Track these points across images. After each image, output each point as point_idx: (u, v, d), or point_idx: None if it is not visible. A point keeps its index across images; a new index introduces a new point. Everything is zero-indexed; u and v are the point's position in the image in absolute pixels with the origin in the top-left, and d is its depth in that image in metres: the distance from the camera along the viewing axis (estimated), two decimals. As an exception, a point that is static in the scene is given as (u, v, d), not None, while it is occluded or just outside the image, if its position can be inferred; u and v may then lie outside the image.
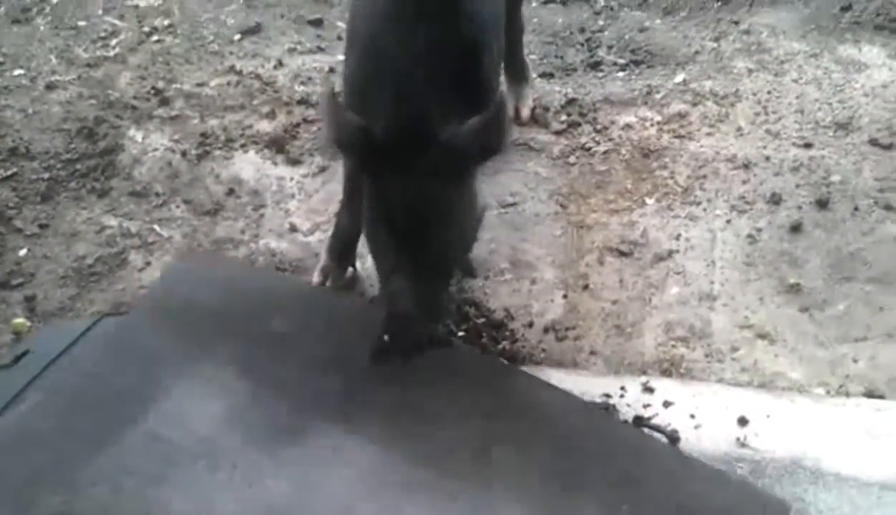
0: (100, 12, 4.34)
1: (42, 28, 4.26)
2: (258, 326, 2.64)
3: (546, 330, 2.98)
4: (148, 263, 3.23)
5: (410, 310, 2.36)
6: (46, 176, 3.50)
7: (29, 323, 3.01)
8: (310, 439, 2.33)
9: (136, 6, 4.37)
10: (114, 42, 4.17)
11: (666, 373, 2.84)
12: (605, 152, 3.55)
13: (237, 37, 4.20)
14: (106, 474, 2.26)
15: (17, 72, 3.99)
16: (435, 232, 2.34)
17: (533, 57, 4.00)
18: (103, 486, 2.24)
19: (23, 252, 3.25)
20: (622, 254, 3.20)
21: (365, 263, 3.06)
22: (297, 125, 3.70)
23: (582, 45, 4.11)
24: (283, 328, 2.64)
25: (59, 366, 2.66)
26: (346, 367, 2.50)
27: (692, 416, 2.66)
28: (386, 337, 2.44)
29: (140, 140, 3.67)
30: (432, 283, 2.40)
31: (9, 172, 3.51)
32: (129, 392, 2.46)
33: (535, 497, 2.22)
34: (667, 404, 2.69)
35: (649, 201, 3.37)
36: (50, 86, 3.90)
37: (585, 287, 3.11)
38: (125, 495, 2.23)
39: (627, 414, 2.66)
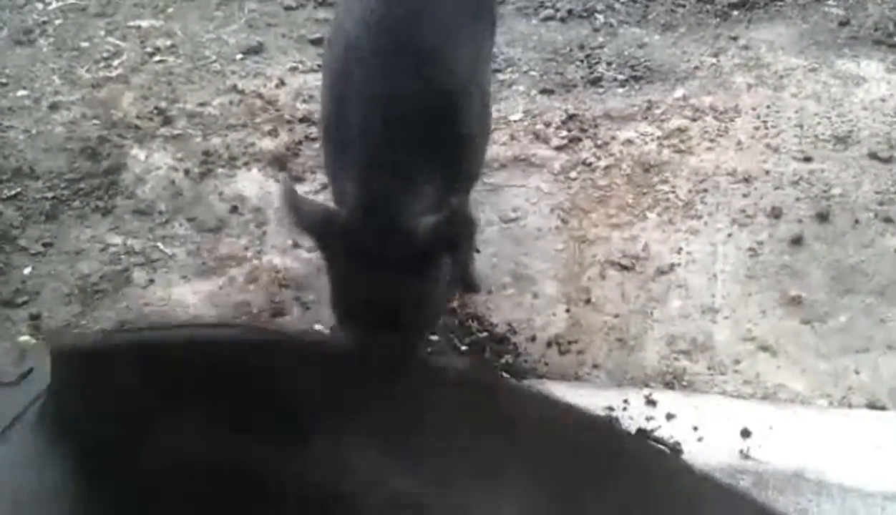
0: (102, 33, 4.36)
1: (45, 49, 4.28)
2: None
3: (549, 344, 2.99)
4: (152, 281, 3.24)
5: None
6: (50, 195, 3.52)
7: (34, 341, 3.02)
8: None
9: (139, 27, 4.40)
10: (116, 62, 4.19)
11: (669, 386, 2.85)
12: (605, 167, 3.57)
13: (239, 56, 4.22)
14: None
15: (21, 92, 4.02)
16: (394, 319, 2.29)
17: (533, 74, 4.03)
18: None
19: (27, 270, 3.27)
20: (624, 267, 3.22)
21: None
22: (300, 143, 3.72)
23: (582, 61, 4.13)
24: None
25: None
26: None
27: (695, 428, 2.66)
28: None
29: (143, 159, 3.69)
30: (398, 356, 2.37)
31: (13, 192, 3.53)
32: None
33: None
34: (669, 416, 2.70)
35: (650, 215, 3.38)
36: (53, 107, 3.93)
37: (587, 301, 3.12)
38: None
39: (630, 426, 2.66)
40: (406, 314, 2.30)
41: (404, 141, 2.35)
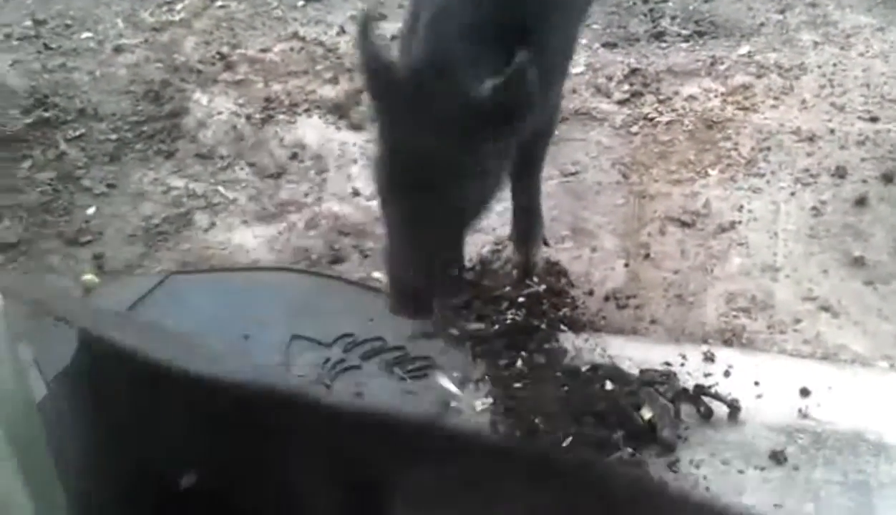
0: (165, -23, 4.38)
1: (109, -9, 4.31)
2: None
3: (607, 299, 2.99)
4: (213, 224, 3.27)
5: (405, 276, 2.32)
6: (114, 137, 3.56)
7: (97, 280, 3.06)
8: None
9: (201, -29, 4.42)
10: (179, 7, 4.21)
11: (727, 343, 2.83)
12: (667, 122, 3.54)
13: (301, 3, 4.23)
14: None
15: (85, 35, 4.05)
16: (436, 190, 2.21)
17: (596, 27, 4.00)
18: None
19: (91, 210, 3.31)
20: (684, 224, 3.19)
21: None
22: (360, 91, 3.72)
23: (645, 15, 4.09)
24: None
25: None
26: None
27: (754, 386, 2.65)
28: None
29: (205, 103, 3.71)
30: (431, 243, 2.30)
31: (77, 133, 3.57)
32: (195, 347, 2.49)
33: None
34: (728, 373, 2.69)
35: (712, 172, 3.35)
36: (117, 50, 3.96)
37: (647, 256, 3.11)
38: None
39: (688, 382, 2.65)
40: (448, 188, 2.22)
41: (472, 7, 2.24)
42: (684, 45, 3.93)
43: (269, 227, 3.27)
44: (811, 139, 3.44)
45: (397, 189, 2.28)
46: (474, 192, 2.32)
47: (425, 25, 2.27)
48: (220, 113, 3.66)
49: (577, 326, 2.88)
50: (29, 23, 4.09)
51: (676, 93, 3.67)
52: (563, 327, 2.85)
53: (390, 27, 4.00)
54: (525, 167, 2.80)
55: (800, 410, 2.59)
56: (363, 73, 2.27)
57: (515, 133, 2.29)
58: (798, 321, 2.89)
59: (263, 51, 3.96)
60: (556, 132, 3.41)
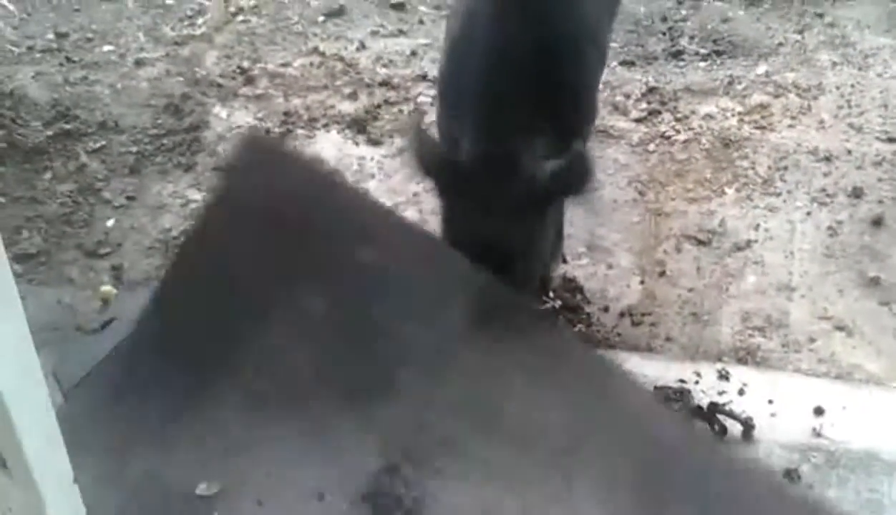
0: (187, -8, 4.42)
1: (130, 5, 4.34)
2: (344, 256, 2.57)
3: (622, 315, 2.99)
4: (231, 237, 3.29)
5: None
6: (134, 149, 3.59)
7: (115, 291, 3.08)
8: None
9: (223, -14, 4.45)
10: (200, 21, 4.24)
11: (742, 361, 2.84)
12: (684, 141, 3.55)
13: (321, 19, 4.25)
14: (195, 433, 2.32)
15: (107, 48, 4.08)
16: (511, 262, 2.32)
17: (614, 45, 4.00)
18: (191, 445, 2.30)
19: (110, 222, 3.33)
20: (700, 242, 3.20)
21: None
22: (379, 106, 3.75)
23: (664, 33, 4.10)
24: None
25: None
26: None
27: (768, 404, 2.65)
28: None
29: (225, 117, 3.74)
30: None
31: (98, 145, 3.59)
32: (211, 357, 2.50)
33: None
34: (742, 392, 2.69)
35: (729, 191, 3.36)
36: (138, 63, 3.99)
37: (662, 273, 3.11)
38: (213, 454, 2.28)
39: (702, 400, 2.66)
40: (523, 257, 2.33)
41: (524, 86, 2.34)
42: (702, 64, 3.94)
43: (286, 241, 3.28)
44: (828, 159, 3.45)
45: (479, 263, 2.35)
46: (545, 251, 2.51)
47: (475, 109, 2.38)
48: (239, 127, 3.69)
49: (592, 343, 2.89)
50: (51, 36, 4.13)
51: (694, 111, 3.68)
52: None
53: (408, 42, 4.04)
54: None
55: (814, 429, 2.59)
56: (420, 167, 2.37)
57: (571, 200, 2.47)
58: (813, 340, 2.89)
59: (283, 65, 3.99)
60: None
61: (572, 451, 2.26)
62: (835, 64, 3.88)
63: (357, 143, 3.62)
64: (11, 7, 4.28)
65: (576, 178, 2.28)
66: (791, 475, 2.46)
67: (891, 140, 3.51)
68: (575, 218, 3.24)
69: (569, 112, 2.46)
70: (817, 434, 2.58)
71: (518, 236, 2.30)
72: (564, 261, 3.07)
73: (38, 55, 4.03)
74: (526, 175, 2.24)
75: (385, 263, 2.51)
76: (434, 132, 2.67)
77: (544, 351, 2.46)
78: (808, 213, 3.27)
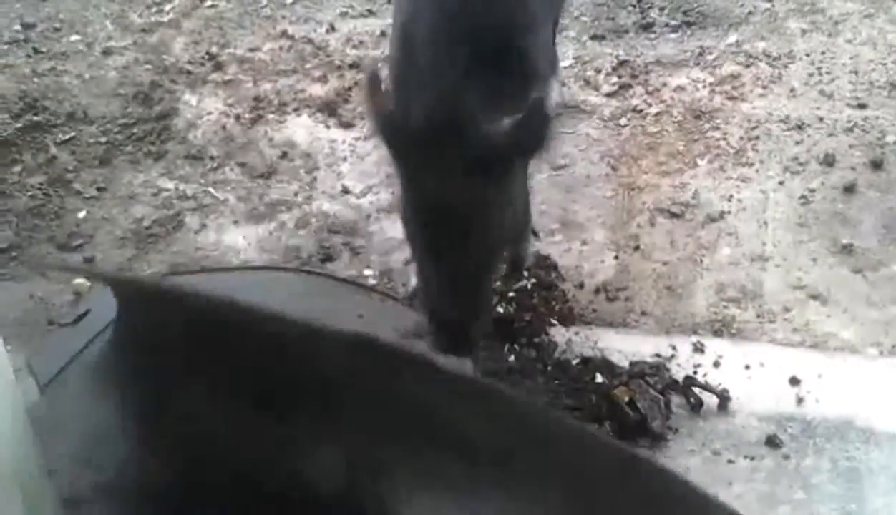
0: (154, -22, 4.39)
1: (97, -6, 4.31)
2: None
3: (597, 291, 3.00)
4: (204, 225, 3.28)
5: (446, 314, 2.28)
6: (104, 140, 3.57)
7: (89, 284, 3.06)
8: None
9: (190, -28, 4.42)
10: (168, 7, 4.21)
11: (717, 334, 2.85)
12: (656, 114, 3.54)
13: (289, 1, 4.22)
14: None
15: (74, 37, 4.05)
16: (469, 230, 2.21)
17: (584, 19, 3.99)
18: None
19: (82, 214, 3.32)
20: (673, 215, 3.20)
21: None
22: (349, 89, 3.73)
23: (633, 6, 4.08)
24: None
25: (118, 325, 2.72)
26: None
27: (744, 376, 2.67)
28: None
29: (195, 104, 3.71)
30: (469, 281, 2.28)
31: (67, 136, 3.57)
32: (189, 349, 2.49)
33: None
34: (717, 364, 2.71)
35: (701, 162, 3.36)
36: (106, 52, 3.96)
37: (636, 248, 3.12)
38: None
39: (678, 373, 2.67)
40: (479, 225, 2.21)
41: (472, 38, 2.23)
42: (673, 35, 3.92)
43: (259, 227, 3.28)
44: (800, 127, 3.45)
45: (431, 233, 2.27)
46: (507, 220, 2.33)
47: (427, 64, 2.27)
48: (209, 113, 3.67)
49: (567, 319, 2.89)
50: (18, 27, 4.09)
51: (665, 84, 3.67)
52: (553, 320, 2.86)
53: (378, 23, 4.02)
54: None
55: (790, 399, 2.60)
56: (374, 127, 2.26)
57: (536, 158, 2.33)
58: (787, 310, 2.90)
59: (252, 50, 3.96)
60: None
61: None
62: (805, 31, 3.87)
63: (328, 127, 3.60)
64: (-24, -1, 4.25)
65: (531, 133, 2.12)
66: (774, 440, 2.48)
67: (861, 106, 3.51)
68: (548, 194, 3.25)
69: (521, 56, 2.32)
70: (793, 404, 2.59)
71: (475, 204, 2.18)
72: (536, 236, 3.06)
73: (4, 47, 4.00)
74: (478, 132, 2.11)
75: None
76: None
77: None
78: (781, 182, 3.27)
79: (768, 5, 4.02)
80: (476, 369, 2.80)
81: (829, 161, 3.31)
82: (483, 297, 2.40)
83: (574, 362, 2.71)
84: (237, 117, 3.65)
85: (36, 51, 3.97)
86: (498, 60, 2.25)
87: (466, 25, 2.25)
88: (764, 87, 3.62)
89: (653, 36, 3.93)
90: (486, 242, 2.26)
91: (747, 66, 3.72)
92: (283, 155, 3.50)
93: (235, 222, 3.29)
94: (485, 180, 2.17)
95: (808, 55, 3.75)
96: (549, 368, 2.70)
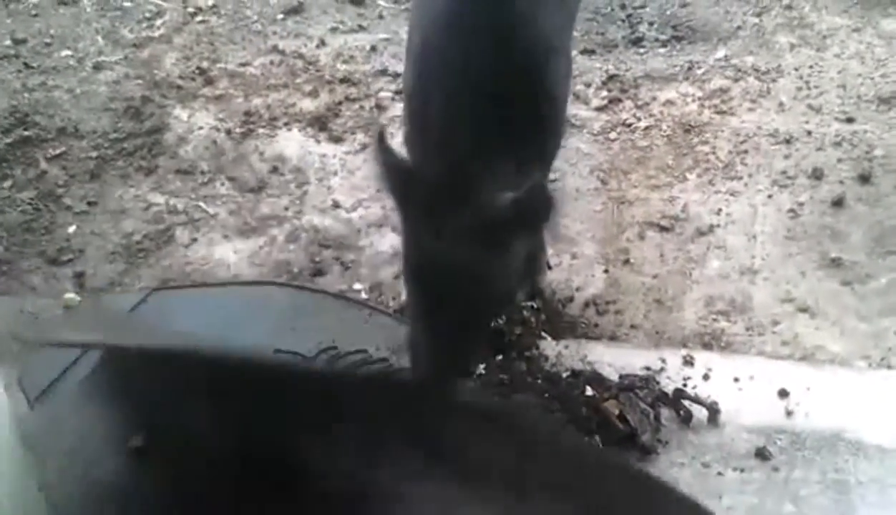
0: (145, -7, 4.40)
1: (88, 9, 4.31)
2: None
3: (587, 305, 3.00)
4: (194, 239, 3.28)
5: (429, 368, 2.30)
6: (94, 154, 3.57)
7: (79, 298, 3.06)
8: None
9: (181, -13, 4.43)
10: (159, 22, 4.21)
11: (707, 347, 2.86)
12: (646, 128, 3.56)
13: (280, 16, 4.23)
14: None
15: (65, 52, 4.05)
16: (463, 293, 2.23)
17: (574, 34, 3.99)
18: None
19: (72, 229, 3.32)
20: (663, 228, 3.21)
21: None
22: (340, 103, 3.73)
23: (623, 20, 4.10)
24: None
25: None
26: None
27: (733, 388, 2.67)
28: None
29: (185, 119, 3.72)
30: (458, 341, 2.29)
31: (58, 151, 3.57)
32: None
33: None
34: (707, 376, 2.71)
35: (690, 176, 3.37)
36: (97, 67, 3.96)
37: (626, 261, 3.13)
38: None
39: (667, 386, 2.67)
40: (475, 288, 2.24)
41: (486, 111, 2.26)
42: (662, 50, 3.94)
43: (249, 241, 3.28)
44: (788, 141, 3.46)
45: (427, 289, 2.29)
46: (503, 284, 2.35)
47: (439, 133, 2.29)
48: (200, 128, 3.67)
49: (557, 332, 2.90)
50: (9, 42, 4.09)
51: (654, 98, 3.68)
52: (543, 333, 2.87)
53: (368, 38, 4.03)
54: None
55: (779, 411, 2.61)
56: (382, 182, 2.28)
57: (535, 234, 2.38)
58: (776, 322, 2.91)
59: (243, 65, 3.97)
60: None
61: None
62: (793, 46, 3.89)
63: (319, 141, 3.61)
64: (-33, 14, 4.25)
65: (532, 212, 2.16)
66: (763, 452, 2.49)
67: (850, 120, 3.53)
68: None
69: (535, 134, 2.38)
70: (783, 416, 2.60)
71: (475, 265, 2.21)
72: (549, 268, 3.09)
73: (-5, 62, 4.01)
74: (482, 202, 2.16)
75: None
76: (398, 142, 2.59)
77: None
78: (770, 196, 3.29)
79: (757, 20, 4.04)
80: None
81: (817, 175, 3.33)
82: (468, 357, 2.42)
83: (564, 375, 2.71)
84: (228, 132, 3.65)
85: (26, 66, 3.97)
86: (515, 121, 2.27)
87: (480, 74, 2.26)
88: (752, 102, 3.64)
89: (642, 50, 3.94)
90: (478, 306, 2.30)
91: (736, 81, 3.73)
92: (274, 169, 3.51)
93: (226, 236, 3.30)
94: (485, 247, 2.19)
95: (796, 69, 3.77)
96: (540, 381, 2.70)
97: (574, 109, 3.65)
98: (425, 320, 2.31)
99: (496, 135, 2.25)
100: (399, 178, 2.25)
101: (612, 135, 3.55)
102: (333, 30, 4.14)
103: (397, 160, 2.25)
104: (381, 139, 2.25)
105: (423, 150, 2.36)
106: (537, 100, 2.38)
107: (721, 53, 3.87)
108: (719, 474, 2.46)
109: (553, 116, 2.50)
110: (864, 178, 3.30)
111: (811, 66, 3.77)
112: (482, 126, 2.25)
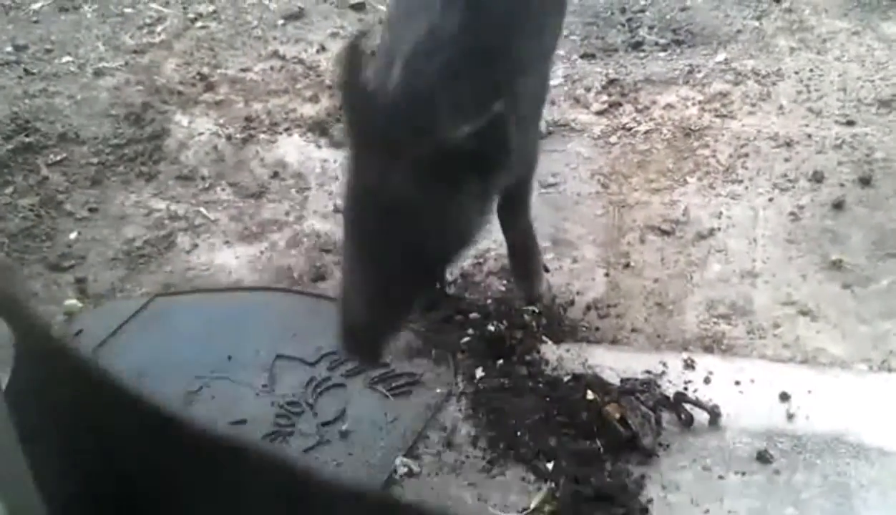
0: (145, -1, 4.41)
1: (89, 16, 4.33)
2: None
3: (588, 308, 3.00)
4: (195, 245, 3.29)
5: (358, 318, 2.23)
6: (95, 161, 3.58)
7: (80, 305, 3.07)
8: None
9: (181, -7, 4.44)
10: (159, 28, 4.23)
11: (708, 350, 2.85)
12: (646, 132, 3.56)
13: (280, 22, 4.25)
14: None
15: (66, 59, 4.07)
16: (408, 232, 2.14)
17: (574, 38, 4.02)
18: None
19: (73, 235, 3.32)
20: (663, 232, 3.21)
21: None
22: (340, 108, 3.73)
23: (623, 25, 4.12)
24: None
25: (110, 346, 2.74)
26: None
27: (734, 391, 2.67)
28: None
29: (186, 125, 3.73)
30: (391, 288, 2.20)
31: (59, 157, 3.58)
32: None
33: None
34: (708, 380, 2.70)
35: (691, 180, 3.38)
36: (98, 73, 3.98)
37: (627, 265, 3.12)
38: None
39: (668, 390, 2.67)
40: (421, 227, 2.16)
41: (453, 42, 2.22)
42: (662, 54, 3.95)
43: (251, 247, 3.28)
44: (788, 144, 3.47)
45: (364, 226, 2.22)
46: (450, 234, 2.28)
47: (404, 63, 2.23)
48: (201, 134, 3.68)
49: (558, 336, 2.90)
50: (10, 49, 4.11)
51: (654, 102, 3.69)
52: (544, 337, 2.87)
53: (370, 43, 4.02)
54: (511, 208, 2.82)
55: (780, 414, 2.60)
56: (341, 97, 2.23)
57: (492, 179, 2.25)
58: (777, 325, 2.91)
59: (244, 70, 3.98)
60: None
61: None
62: (793, 49, 3.90)
63: (319, 146, 3.62)
64: (-32, 21, 4.26)
65: (485, 146, 2.06)
66: (764, 455, 2.48)
67: (850, 123, 3.53)
68: (539, 212, 3.25)
69: (504, 71, 2.32)
70: (784, 419, 2.60)
71: (416, 207, 2.12)
72: (547, 271, 3.08)
73: (-5, 68, 4.02)
74: (438, 133, 2.08)
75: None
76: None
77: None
78: (770, 199, 3.29)
79: (757, 24, 4.05)
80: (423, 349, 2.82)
81: (817, 178, 3.33)
82: (401, 309, 2.33)
83: (565, 379, 2.71)
84: (228, 137, 3.66)
85: (27, 72, 3.99)
86: (477, 87, 2.22)
87: (448, 33, 2.24)
88: (753, 105, 3.65)
89: (642, 54, 3.96)
90: (419, 250, 2.19)
91: (736, 84, 3.74)
92: (275, 174, 3.52)
93: (227, 242, 3.30)
94: (433, 183, 2.10)
95: (796, 73, 3.78)
96: (541, 385, 2.70)
97: (574, 113, 3.66)
98: (362, 266, 2.22)
99: (461, 65, 2.20)
100: (358, 98, 2.15)
101: (613, 139, 3.55)
102: (333, 35, 4.16)
103: (360, 76, 2.14)
104: (352, 52, 2.15)
105: (387, 75, 2.25)
106: (505, 38, 2.34)
107: (721, 57, 3.88)
108: (720, 477, 2.46)
109: (521, 57, 2.43)
110: (865, 181, 3.30)
111: (811, 70, 3.78)
112: (449, 57, 2.21)
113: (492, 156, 2.11)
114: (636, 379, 2.69)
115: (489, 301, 2.97)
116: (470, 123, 2.04)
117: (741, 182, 3.35)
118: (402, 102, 2.16)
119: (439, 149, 2.07)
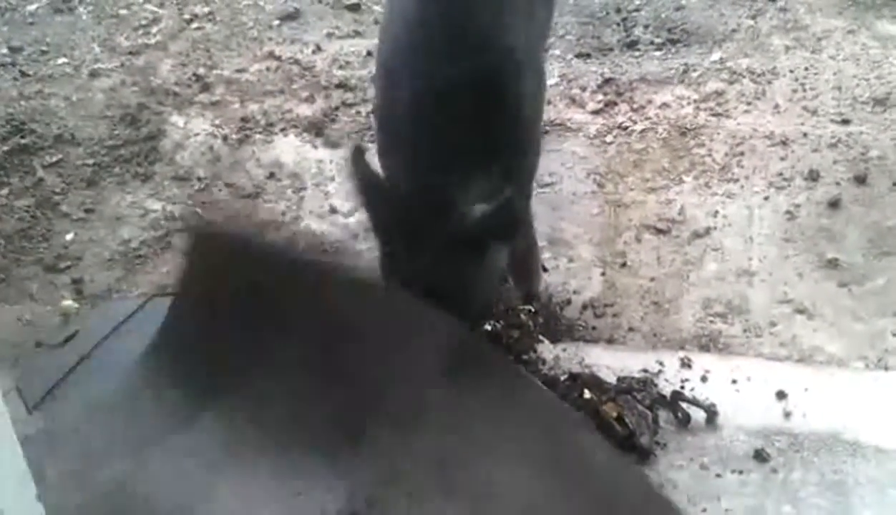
0: (140, 0, 4.40)
1: (84, 17, 4.33)
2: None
3: (584, 307, 3.00)
4: (192, 246, 3.28)
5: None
6: (91, 162, 3.57)
7: (77, 305, 3.07)
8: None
9: (176, -7, 4.44)
10: (155, 29, 4.23)
11: (704, 349, 2.85)
12: (642, 131, 3.56)
13: (276, 22, 4.25)
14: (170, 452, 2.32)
15: (61, 60, 4.06)
16: (442, 307, 2.27)
17: (569, 38, 4.02)
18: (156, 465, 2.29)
19: (70, 236, 3.32)
20: (660, 231, 3.21)
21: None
22: (336, 108, 3.75)
23: (618, 24, 4.12)
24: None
25: (107, 347, 2.73)
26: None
27: (731, 390, 2.67)
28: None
29: (182, 125, 3.72)
30: None
31: (55, 159, 3.58)
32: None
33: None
34: (705, 378, 2.70)
35: (687, 179, 3.38)
36: (93, 74, 3.97)
37: (623, 264, 3.12)
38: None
39: (665, 388, 2.67)
40: (451, 299, 2.27)
41: (452, 126, 2.29)
42: (657, 53, 3.95)
43: (247, 247, 3.27)
44: (784, 143, 3.47)
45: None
46: (475, 293, 2.43)
47: (408, 147, 2.35)
48: (196, 134, 3.68)
49: (555, 336, 2.90)
50: (5, 50, 4.11)
51: (650, 101, 3.69)
52: (541, 337, 2.87)
53: (364, 43, 4.04)
54: None
55: (777, 413, 2.60)
56: (358, 196, 2.39)
57: (507, 243, 2.41)
58: (774, 324, 2.91)
59: (240, 71, 3.98)
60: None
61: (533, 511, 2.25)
62: (788, 48, 3.90)
63: (315, 147, 3.62)
64: (-37, 23, 4.26)
65: (499, 227, 2.25)
66: (762, 454, 2.48)
67: (845, 121, 3.53)
68: (535, 212, 3.25)
69: (508, 145, 2.40)
70: (780, 418, 2.60)
71: (451, 277, 2.27)
72: (545, 271, 3.08)
73: (-9, 70, 4.01)
74: (456, 216, 2.22)
75: (350, 318, 2.48)
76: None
77: (513, 402, 2.44)
78: (766, 198, 3.29)
79: (752, 22, 4.05)
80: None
81: (813, 176, 3.33)
82: None
83: (562, 378, 2.70)
84: (224, 138, 3.66)
85: (23, 74, 3.99)
86: (489, 136, 2.32)
87: (448, 89, 2.30)
88: (748, 104, 3.65)
89: (637, 54, 3.96)
90: (455, 309, 2.32)
91: (731, 83, 3.74)
92: (271, 175, 3.51)
93: (224, 242, 3.29)
94: (455, 258, 2.25)
95: (791, 71, 3.78)
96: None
97: (570, 113, 3.66)
98: None
99: (464, 150, 2.29)
100: (373, 194, 2.30)
101: (608, 138, 3.55)
102: (329, 35, 4.15)
103: (372, 175, 2.31)
104: (357, 155, 2.29)
105: (395, 163, 2.40)
106: (504, 114, 2.38)
107: (716, 56, 3.88)
108: (718, 476, 2.46)
109: (522, 133, 2.50)
110: (860, 180, 3.30)
111: (806, 68, 3.79)
112: (449, 141, 2.29)
113: (504, 230, 2.29)
114: (633, 378, 2.69)
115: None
116: (482, 204, 2.21)
117: (737, 181, 3.35)
118: (416, 196, 2.28)
119: (455, 234, 2.23)
